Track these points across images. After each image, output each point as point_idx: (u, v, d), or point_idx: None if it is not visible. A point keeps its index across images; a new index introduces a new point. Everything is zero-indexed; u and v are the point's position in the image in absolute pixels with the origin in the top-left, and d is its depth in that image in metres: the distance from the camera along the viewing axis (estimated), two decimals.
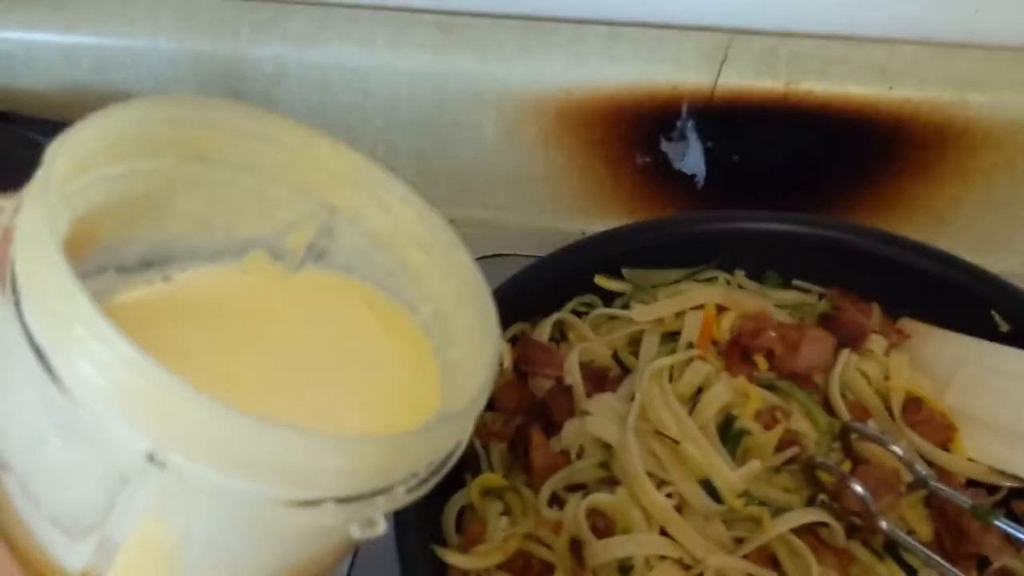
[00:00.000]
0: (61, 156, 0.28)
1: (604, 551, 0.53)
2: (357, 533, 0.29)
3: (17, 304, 0.26)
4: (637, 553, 0.53)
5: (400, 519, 0.53)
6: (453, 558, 0.54)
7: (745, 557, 0.54)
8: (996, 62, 0.70)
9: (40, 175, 0.27)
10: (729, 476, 0.55)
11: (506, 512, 0.57)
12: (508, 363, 0.63)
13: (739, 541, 0.55)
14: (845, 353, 0.62)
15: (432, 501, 0.56)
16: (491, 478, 0.58)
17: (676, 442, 0.56)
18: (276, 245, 0.36)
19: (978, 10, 0.71)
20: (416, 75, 0.75)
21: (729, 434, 0.58)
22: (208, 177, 0.33)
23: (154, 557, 0.28)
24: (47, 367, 0.26)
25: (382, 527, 0.29)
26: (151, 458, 0.25)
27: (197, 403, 0.25)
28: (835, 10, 0.71)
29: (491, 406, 0.63)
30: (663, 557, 0.54)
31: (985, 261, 0.67)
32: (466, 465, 0.59)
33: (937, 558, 0.53)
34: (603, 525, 0.55)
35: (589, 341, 0.64)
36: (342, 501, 0.28)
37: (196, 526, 0.28)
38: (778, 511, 0.55)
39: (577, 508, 0.55)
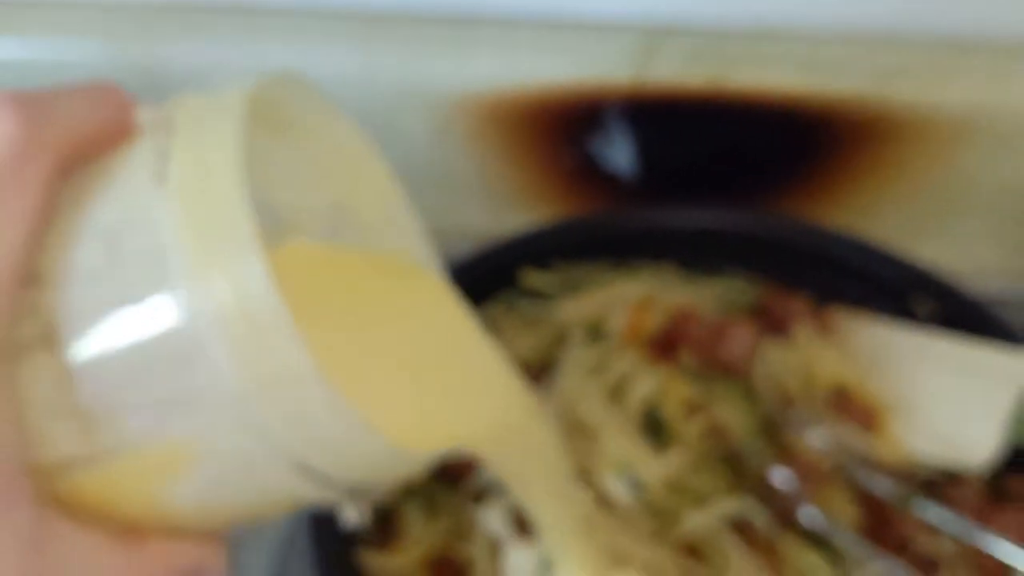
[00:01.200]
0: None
1: (523, 552, 0.52)
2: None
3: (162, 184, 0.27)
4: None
5: (316, 519, 0.52)
6: (370, 558, 0.53)
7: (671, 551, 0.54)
8: (916, 56, 0.70)
9: (237, 89, 0.30)
10: (652, 466, 0.55)
11: (426, 510, 0.56)
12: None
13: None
14: (770, 342, 0.62)
15: None
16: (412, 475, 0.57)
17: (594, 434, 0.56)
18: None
19: (902, 5, 0.71)
20: (342, 76, 0.74)
21: (654, 426, 0.58)
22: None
23: (156, 469, 0.28)
24: (169, 269, 0.27)
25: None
26: (230, 394, 0.27)
27: (309, 373, 0.26)
28: (759, 6, 0.72)
29: None
30: None
31: (915, 250, 0.67)
32: None
33: (859, 541, 0.53)
34: (522, 524, 0.54)
35: (514, 338, 0.64)
36: (355, 491, 0.30)
37: (216, 460, 0.28)
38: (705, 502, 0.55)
39: (498, 509, 0.54)
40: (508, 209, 0.78)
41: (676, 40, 0.70)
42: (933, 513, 0.55)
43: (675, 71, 0.71)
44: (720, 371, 0.62)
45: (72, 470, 0.28)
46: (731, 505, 0.54)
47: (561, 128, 0.74)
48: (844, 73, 0.69)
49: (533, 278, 0.66)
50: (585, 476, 0.55)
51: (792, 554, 0.55)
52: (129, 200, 0.28)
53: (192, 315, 0.27)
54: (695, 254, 0.68)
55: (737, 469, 0.58)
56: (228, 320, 0.26)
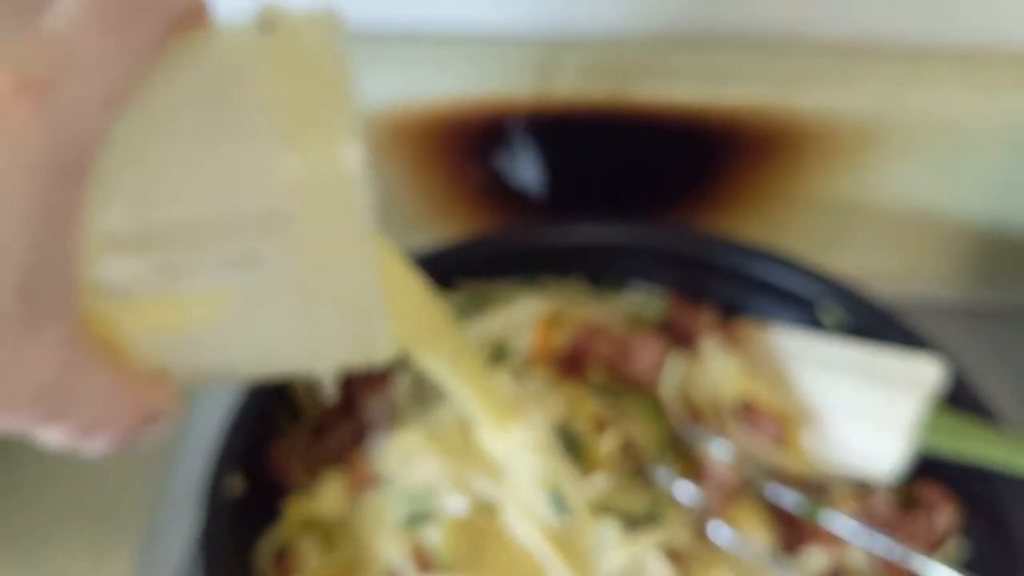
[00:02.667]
0: None
1: None
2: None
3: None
4: None
5: (209, 558, 0.50)
6: None
7: None
8: (817, 63, 0.70)
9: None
10: (578, 488, 0.53)
11: (323, 542, 0.54)
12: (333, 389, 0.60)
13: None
14: (676, 356, 0.61)
15: (243, 533, 0.53)
16: (308, 512, 0.55)
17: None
18: None
19: (802, 13, 0.72)
20: None
21: (563, 443, 0.56)
22: None
23: (190, 313, 0.31)
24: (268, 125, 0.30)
25: None
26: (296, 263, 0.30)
27: (369, 262, 0.31)
28: (659, 17, 0.71)
29: (319, 431, 0.60)
30: None
31: (823, 258, 0.67)
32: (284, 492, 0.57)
33: (767, 555, 0.53)
34: (424, 558, 0.52)
35: None
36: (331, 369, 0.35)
37: (249, 315, 0.31)
38: (627, 521, 0.53)
39: (397, 540, 0.52)
40: (415, 228, 0.76)
41: (577, 53, 0.69)
42: (841, 524, 0.54)
43: (577, 85, 0.70)
44: (628, 386, 0.61)
45: (112, 298, 0.30)
46: (663, 534, 0.53)
47: (466, 144, 0.73)
48: (745, 82, 0.69)
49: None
50: (488, 509, 0.53)
51: (702, 570, 0.53)
52: (233, 49, 0.31)
53: (283, 178, 0.29)
54: (602, 269, 0.67)
55: (650, 483, 0.57)
56: (318, 192, 0.30)
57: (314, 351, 0.33)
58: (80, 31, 0.28)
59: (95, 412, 0.30)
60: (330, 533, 0.54)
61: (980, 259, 0.76)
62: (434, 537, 0.51)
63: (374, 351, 0.34)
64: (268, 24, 0.31)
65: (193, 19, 0.31)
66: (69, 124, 0.27)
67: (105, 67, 0.28)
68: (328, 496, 0.55)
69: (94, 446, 0.31)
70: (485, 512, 0.53)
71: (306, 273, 0.31)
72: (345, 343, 0.33)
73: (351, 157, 0.30)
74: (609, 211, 0.72)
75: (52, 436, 0.30)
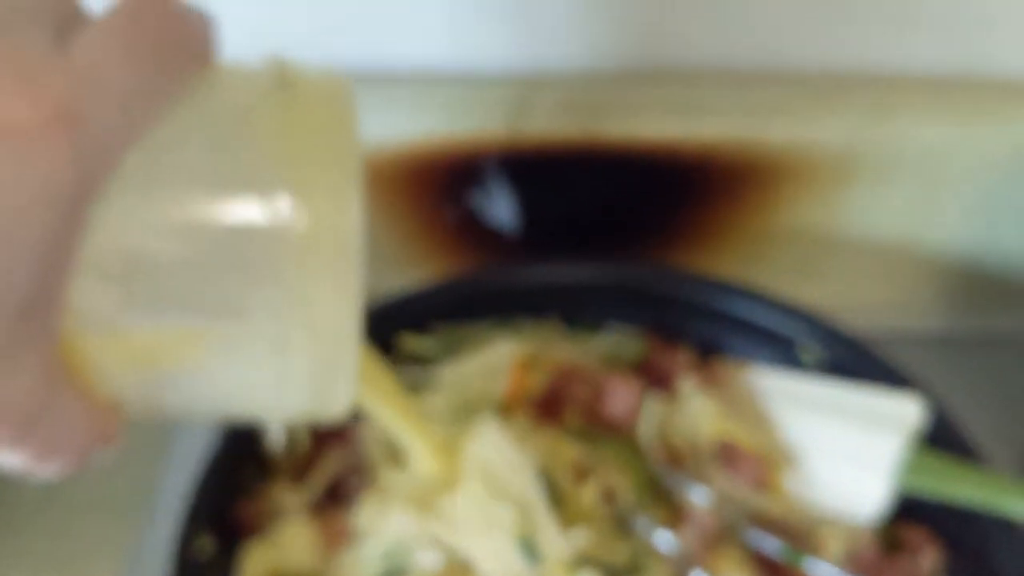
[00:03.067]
0: None
1: None
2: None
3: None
4: None
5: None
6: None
7: None
8: (791, 93, 0.69)
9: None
10: (555, 541, 0.52)
11: None
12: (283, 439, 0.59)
13: None
14: (651, 399, 0.60)
15: None
16: (280, 567, 0.54)
17: None
18: None
19: (774, 43, 0.71)
20: None
21: (548, 493, 0.55)
22: None
23: (161, 351, 0.31)
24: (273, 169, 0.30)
25: None
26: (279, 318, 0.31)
27: (352, 335, 0.32)
28: (631, 52, 0.71)
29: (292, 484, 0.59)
30: None
31: (801, 292, 0.66)
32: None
33: None
34: None
35: None
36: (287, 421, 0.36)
37: (222, 362, 0.31)
38: (609, 573, 0.52)
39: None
40: (389, 269, 0.75)
41: (548, 91, 0.69)
42: (824, 570, 0.53)
43: (549, 123, 0.69)
44: (606, 430, 0.60)
45: (88, 327, 0.30)
46: None
47: (440, 184, 0.72)
48: (717, 115, 0.68)
49: (412, 343, 0.64)
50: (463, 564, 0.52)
51: None
52: (243, 95, 0.31)
53: (283, 232, 0.30)
54: (577, 310, 0.66)
55: (630, 531, 0.56)
56: (312, 248, 0.30)
57: (275, 401, 0.33)
58: (110, 64, 0.28)
59: (58, 437, 0.30)
60: None
61: (958, 289, 0.75)
62: None
63: (333, 406, 0.34)
64: (284, 80, 0.32)
65: (203, 59, 0.32)
66: (92, 158, 0.27)
67: (131, 102, 0.29)
68: (294, 545, 0.54)
69: (47, 470, 0.31)
70: (460, 568, 0.52)
71: (287, 328, 0.31)
72: (308, 396, 0.33)
73: (353, 219, 0.31)
74: (584, 250, 0.71)
75: (10, 459, 0.29)
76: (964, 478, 0.54)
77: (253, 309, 0.30)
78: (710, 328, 0.64)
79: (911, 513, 0.57)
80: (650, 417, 0.59)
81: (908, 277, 0.75)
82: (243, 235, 0.30)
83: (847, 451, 0.57)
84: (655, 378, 0.62)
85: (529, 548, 0.52)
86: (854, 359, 0.61)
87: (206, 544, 0.52)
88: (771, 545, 0.54)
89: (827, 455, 0.58)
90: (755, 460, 0.58)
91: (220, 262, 0.30)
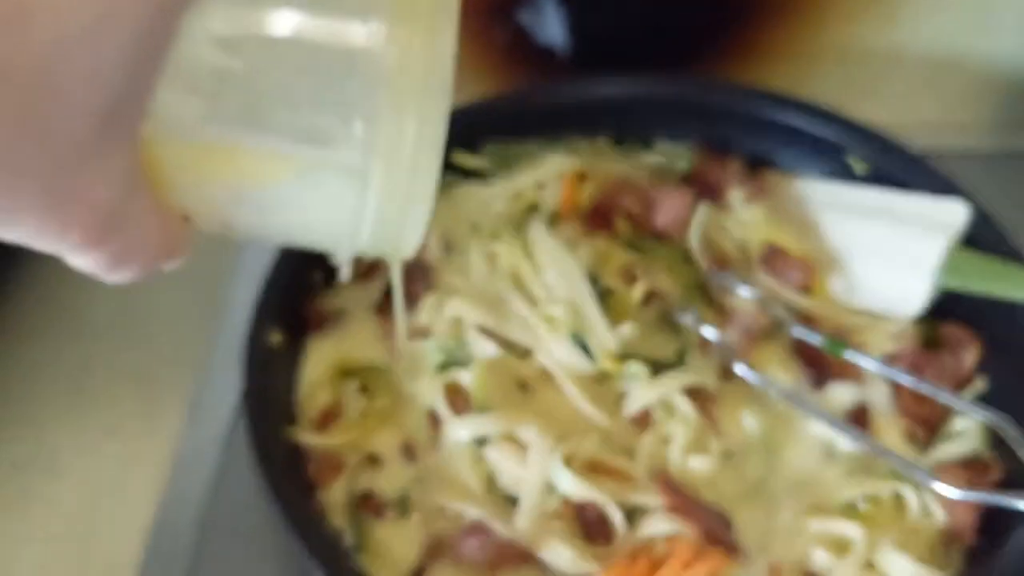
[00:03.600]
0: None
1: (461, 427, 0.53)
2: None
3: None
4: (492, 432, 0.52)
5: (250, 402, 0.52)
6: (307, 437, 0.53)
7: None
8: None
9: None
10: (604, 336, 0.55)
11: (363, 390, 0.56)
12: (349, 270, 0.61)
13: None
14: (702, 207, 0.62)
15: (281, 379, 0.56)
16: (347, 359, 0.57)
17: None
18: None
19: None
20: None
21: (594, 295, 0.57)
22: None
23: (244, 170, 0.32)
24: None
25: None
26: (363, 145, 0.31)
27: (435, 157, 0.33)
28: None
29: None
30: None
31: (853, 109, 0.66)
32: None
33: (791, 394, 0.54)
34: (461, 401, 0.54)
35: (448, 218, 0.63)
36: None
37: (301, 188, 0.32)
38: (653, 367, 0.55)
39: (432, 383, 0.54)
40: None
41: None
42: (866, 362, 0.55)
43: None
44: (655, 238, 0.62)
45: (175, 137, 0.30)
46: (689, 376, 0.54)
47: (491, 2, 0.72)
48: None
49: (465, 159, 0.65)
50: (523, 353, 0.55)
51: (729, 411, 0.55)
52: None
53: (377, 54, 0.30)
54: (628, 126, 0.67)
55: (676, 330, 0.58)
56: (404, 84, 0.30)
57: (346, 233, 0.34)
58: None
59: (133, 243, 0.31)
60: (368, 381, 0.56)
61: (1012, 107, 0.75)
62: (466, 379, 0.53)
63: (402, 243, 0.35)
64: None
65: None
66: None
67: None
68: (358, 340, 0.57)
69: (119, 275, 0.32)
70: (517, 356, 0.55)
71: (369, 160, 0.31)
72: (380, 231, 0.33)
73: (446, 60, 0.31)
74: (634, 68, 0.71)
75: (87, 260, 0.30)
76: (1005, 275, 0.56)
77: (339, 138, 0.31)
78: (761, 140, 0.65)
79: (953, 312, 0.58)
80: (700, 222, 0.61)
81: (960, 95, 0.75)
82: (338, 62, 0.30)
83: (891, 252, 0.58)
84: (705, 189, 0.63)
85: (581, 342, 0.55)
86: (902, 168, 0.62)
87: (275, 337, 0.55)
88: (814, 339, 0.56)
89: (872, 257, 0.59)
90: (801, 263, 0.60)
91: (312, 88, 0.30)
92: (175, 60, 0.29)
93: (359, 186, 0.31)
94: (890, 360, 0.57)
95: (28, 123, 0.26)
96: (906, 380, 0.54)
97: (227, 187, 0.32)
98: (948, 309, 0.58)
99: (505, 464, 0.52)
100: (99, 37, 0.26)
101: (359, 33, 0.30)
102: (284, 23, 0.30)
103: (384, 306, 0.59)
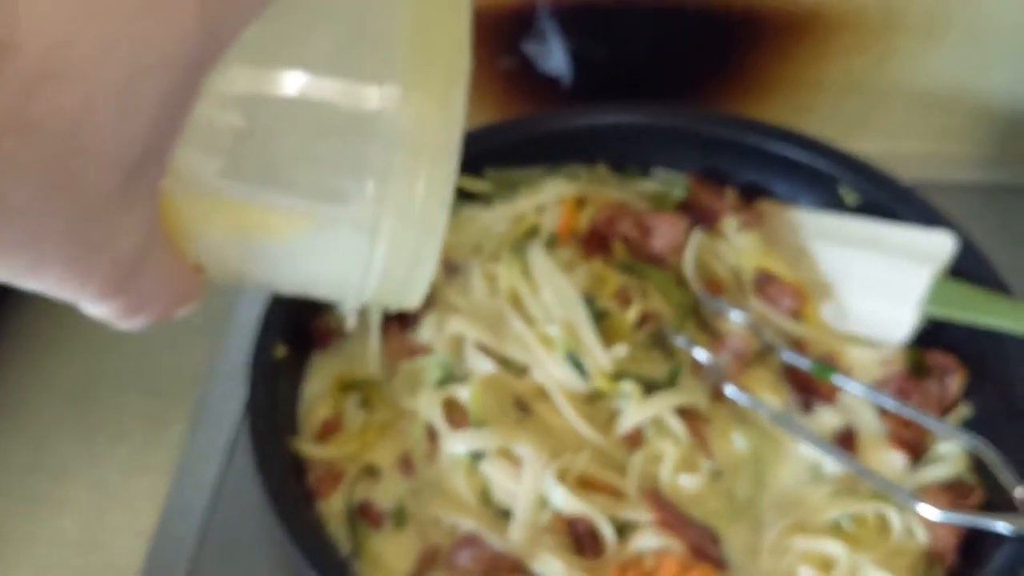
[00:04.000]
0: None
1: (457, 442, 0.54)
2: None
3: None
4: (488, 446, 0.54)
5: (254, 413, 0.54)
6: (308, 448, 0.55)
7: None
8: None
9: None
10: (598, 355, 0.56)
11: (363, 404, 0.58)
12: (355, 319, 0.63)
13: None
14: (697, 233, 0.63)
15: (284, 392, 0.57)
16: (348, 373, 0.59)
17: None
18: None
19: None
20: None
21: (590, 315, 0.59)
22: None
23: (259, 227, 0.33)
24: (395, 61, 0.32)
25: None
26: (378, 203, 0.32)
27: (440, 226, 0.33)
28: None
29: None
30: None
31: (850, 145, 0.68)
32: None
33: (780, 415, 0.56)
34: (459, 416, 0.56)
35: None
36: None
37: (315, 245, 0.33)
38: (646, 387, 0.56)
39: (431, 398, 0.56)
40: None
41: None
42: (852, 386, 0.57)
43: None
44: (650, 263, 0.63)
45: (195, 192, 0.31)
46: (682, 395, 0.56)
47: (495, 33, 0.75)
48: None
49: (469, 183, 0.67)
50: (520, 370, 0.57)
51: (723, 428, 0.57)
52: None
53: (392, 117, 0.31)
54: (627, 152, 0.69)
55: (668, 352, 0.59)
56: (418, 144, 0.31)
57: (354, 287, 0.35)
58: None
59: (149, 293, 0.32)
60: (369, 395, 0.58)
61: (1003, 140, 0.77)
62: (464, 395, 0.55)
63: (409, 295, 0.36)
64: None
65: None
66: (218, 23, 0.28)
67: None
68: (361, 356, 0.59)
69: (132, 323, 0.32)
70: (515, 373, 0.56)
71: (380, 217, 0.32)
72: (387, 284, 0.34)
73: (458, 122, 0.32)
74: (634, 98, 0.73)
75: (102, 310, 0.31)
76: (990, 305, 0.57)
77: (353, 196, 0.32)
78: (756, 170, 0.67)
79: (939, 340, 0.60)
80: (694, 248, 0.63)
81: (953, 128, 0.76)
82: (354, 124, 0.31)
83: (880, 281, 0.60)
84: (700, 216, 0.65)
85: (576, 361, 0.56)
86: (892, 200, 0.63)
87: (280, 351, 0.57)
88: (803, 363, 0.58)
89: (861, 285, 0.61)
90: (792, 289, 0.61)
91: (328, 148, 0.31)
92: (195, 117, 0.30)
93: (370, 242, 0.33)
94: (878, 385, 0.58)
95: (56, 178, 0.26)
96: (891, 404, 0.56)
97: (241, 241, 0.33)
98: (935, 337, 0.60)
99: (500, 478, 0.53)
100: (130, 95, 0.27)
101: (375, 96, 0.31)
102: (301, 85, 0.31)
103: (386, 323, 0.61)
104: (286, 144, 0.31)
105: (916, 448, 0.56)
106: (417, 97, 0.31)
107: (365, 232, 0.32)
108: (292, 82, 0.31)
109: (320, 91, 0.31)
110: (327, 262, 0.34)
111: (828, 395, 0.58)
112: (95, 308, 0.31)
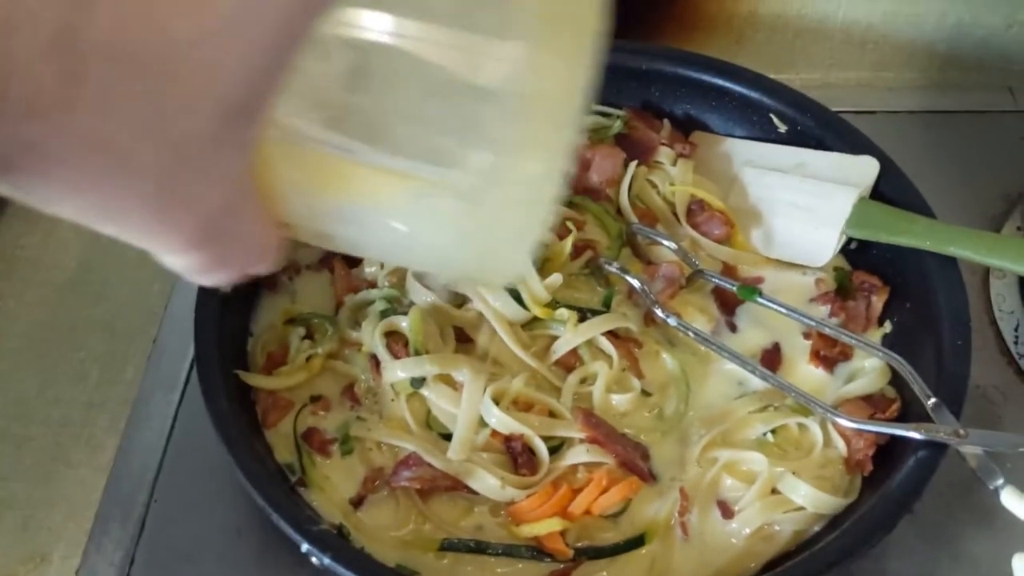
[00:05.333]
0: None
1: (398, 370, 0.56)
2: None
3: None
4: (427, 373, 0.55)
5: (200, 347, 0.56)
6: (255, 379, 0.57)
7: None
8: None
9: None
10: (534, 287, 0.58)
11: (308, 336, 0.60)
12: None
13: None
14: (633, 165, 0.65)
15: (232, 328, 0.59)
16: (292, 308, 0.61)
17: None
18: None
19: None
20: None
21: None
22: None
23: (369, 188, 0.31)
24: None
25: None
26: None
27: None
28: None
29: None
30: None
31: (786, 77, 0.70)
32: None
33: (708, 338, 0.58)
34: (401, 346, 0.58)
35: None
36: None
37: (424, 201, 0.31)
38: (582, 314, 0.59)
39: (375, 329, 0.58)
40: None
41: None
42: (776, 306, 0.59)
43: None
44: (589, 195, 0.65)
45: (296, 146, 0.29)
46: (615, 320, 0.58)
47: None
48: None
49: None
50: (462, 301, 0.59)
51: (654, 351, 0.59)
52: None
53: (513, 81, 0.28)
54: None
55: (603, 279, 0.62)
56: (538, 110, 0.29)
57: (449, 259, 0.32)
58: None
59: (232, 249, 0.29)
60: (314, 329, 0.60)
61: (938, 67, 0.78)
62: (404, 324, 0.57)
63: (503, 274, 0.35)
64: None
65: None
66: None
67: None
68: (308, 293, 0.61)
69: (211, 279, 0.30)
70: (456, 304, 0.59)
71: (485, 187, 0.29)
72: (483, 261, 0.32)
73: (579, 96, 0.29)
74: None
75: (182, 262, 0.29)
76: (910, 227, 0.59)
77: (460, 162, 0.29)
78: (691, 103, 0.69)
79: (865, 262, 0.62)
80: (632, 182, 0.65)
81: (889, 58, 0.78)
82: (469, 85, 0.28)
83: (806, 206, 0.62)
84: (637, 150, 0.67)
85: (513, 292, 0.58)
86: (819, 127, 0.65)
87: (227, 292, 0.59)
88: (729, 286, 0.60)
89: (788, 210, 0.63)
90: (722, 217, 0.63)
91: (439, 108, 0.28)
92: (303, 68, 0.27)
93: (472, 215, 0.29)
94: (809, 304, 0.61)
95: (152, 116, 0.24)
96: (813, 323, 0.58)
97: (336, 201, 0.30)
98: (861, 257, 0.63)
99: (440, 403, 0.55)
100: (236, 31, 0.24)
101: (497, 53, 0.28)
102: (417, 34, 0.28)
103: (332, 259, 0.63)
104: (397, 99, 0.28)
105: (836, 362, 0.59)
106: (543, 57, 0.28)
107: (468, 203, 0.29)
108: (408, 30, 0.28)
109: (438, 43, 0.28)
110: (423, 230, 0.31)
111: (759, 320, 0.61)
112: (174, 260, 0.29)
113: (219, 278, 0.30)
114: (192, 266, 0.29)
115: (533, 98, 0.28)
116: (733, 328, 0.61)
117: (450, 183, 0.29)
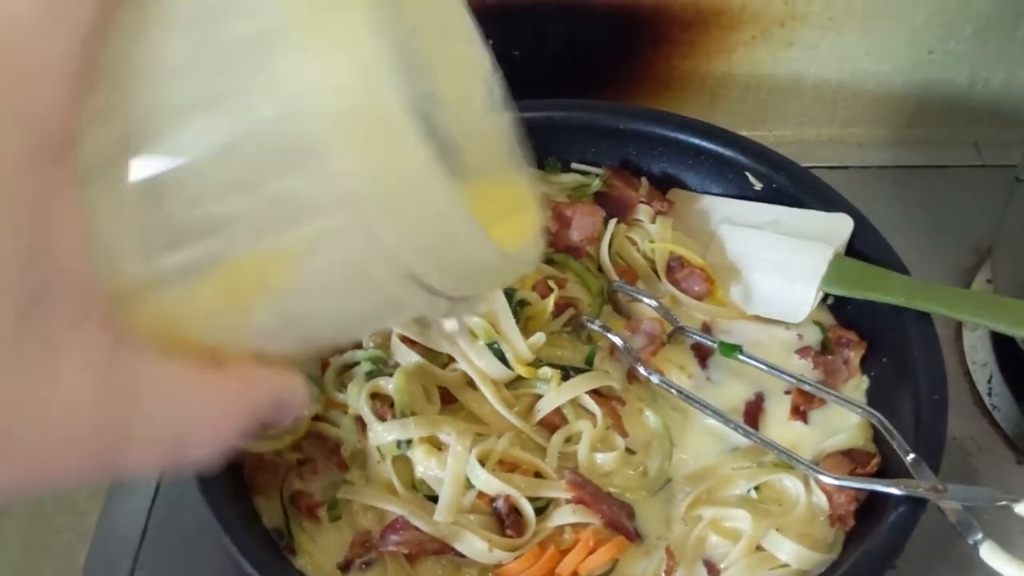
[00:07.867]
0: None
1: (384, 432, 0.56)
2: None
3: None
4: (413, 435, 0.56)
5: None
6: (242, 443, 0.57)
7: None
8: None
9: None
10: (518, 346, 0.59)
11: None
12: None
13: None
14: (612, 223, 0.67)
15: None
16: None
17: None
18: None
19: None
20: None
21: (511, 306, 0.62)
22: None
23: (250, 283, 0.26)
24: (275, 55, 0.24)
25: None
26: (347, 196, 0.24)
27: (432, 174, 0.25)
28: None
29: None
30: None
31: (759, 134, 0.72)
32: None
33: (689, 394, 0.59)
34: (387, 407, 0.58)
35: None
36: (456, 300, 0.29)
37: (316, 270, 0.26)
38: (565, 372, 0.59)
39: (360, 391, 0.58)
40: None
41: None
42: (756, 363, 0.60)
43: None
44: (570, 253, 0.66)
45: (154, 292, 0.26)
46: (599, 379, 0.59)
47: None
48: None
49: None
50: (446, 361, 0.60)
51: (633, 410, 0.60)
52: None
53: (306, 107, 0.24)
54: (544, 149, 0.71)
55: (586, 337, 0.63)
56: (347, 111, 0.24)
57: (411, 282, 0.27)
58: None
59: (173, 422, 0.25)
60: None
61: (906, 123, 0.80)
62: (389, 386, 0.57)
63: (487, 271, 0.30)
64: None
65: None
66: (37, 95, 0.22)
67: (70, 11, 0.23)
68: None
69: (198, 455, 0.27)
70: (440, 364, 0.59)
71: (356, 211, 0.25)
72: (445, 262, 0.28)
73: (376, 69, 0.24)
74: (554, 94, 0.76)
75: (133, 462, 0.25)
76: (885, 283, 0.61)
77: (313, 204, 0.25)
78: (668, 161, 0.70)
79: (841, 317, 0.64)
80: (612, 239, 0.66)
81: (859, 114, 0.80)
82: (270, 128, 0.24)
83: (782, 263, 0.64)
84: (616, 208, 0.68)
85: (497, 351, 0.59)
86: (794, 185, 0.67)
87: None
88: (711, 344, 0.61)
89: (765, 267, 0.64)
90: (701, 273, 0.65)
91: (257, 167, 0.25)
92: (98, 211, 0.24)
93: (370, 236, 0.25)
94: (792, 356, 0.62)
95: None
96: (794, 380, 0.59)
97: (249, 310, 0.27)
98: (838, 313, 0.64)
99: (426, 464, 0.56)
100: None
101: (279, 79, 0.24)
102: (192, 131, 0.25)
103: None
104: (213, 186, 0.25)
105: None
106: (318, 50, 0.24)
107: (357, 231, 0.25)
108: (181, 137, 0.25)
109: (216, 118, 0.25)
110: (343, 283, 0.27)
111: (737, 373, 0.62)
112: (126, 466, 0.25)
113: (208, 453, 0.27)
114: (148, 462, 0.25)
115: (334, 101, 0.24)
116: (712, 381, 0.62)
117: (322, 227, 0.25)
